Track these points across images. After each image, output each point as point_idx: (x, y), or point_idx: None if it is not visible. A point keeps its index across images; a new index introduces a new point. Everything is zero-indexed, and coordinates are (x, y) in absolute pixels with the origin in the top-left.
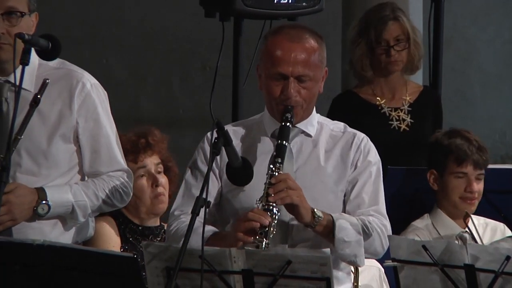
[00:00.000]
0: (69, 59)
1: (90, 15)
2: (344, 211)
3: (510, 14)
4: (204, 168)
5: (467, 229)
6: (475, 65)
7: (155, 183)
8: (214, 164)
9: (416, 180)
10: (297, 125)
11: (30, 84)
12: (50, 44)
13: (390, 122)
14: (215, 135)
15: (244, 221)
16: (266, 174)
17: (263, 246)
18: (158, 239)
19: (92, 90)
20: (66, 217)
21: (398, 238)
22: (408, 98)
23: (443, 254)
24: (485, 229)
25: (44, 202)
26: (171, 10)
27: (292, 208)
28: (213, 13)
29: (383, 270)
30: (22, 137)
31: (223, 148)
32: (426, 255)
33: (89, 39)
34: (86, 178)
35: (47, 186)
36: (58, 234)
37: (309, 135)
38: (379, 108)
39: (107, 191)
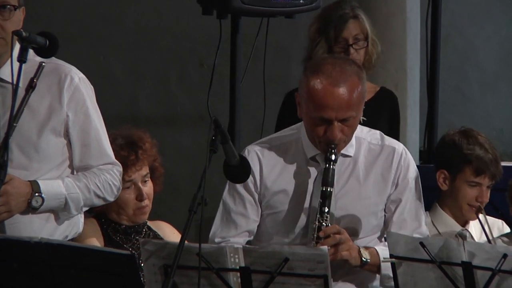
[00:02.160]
0: (66, 57)
1: (87, 12)
2: (385, 226)
3: (508, 12)
4: (242, 191)
5: (479, 225)
6: (472, 62)
7: (139, 196)
8: (253, 189)
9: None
10: None
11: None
12: (47, 42)
13: None
14: (212, 132)
15: None
16: (313, 225)
17: None
18: (142, 236)
19: (81, 84)
20: (59, 211)
21: (396, 234)
22: None
23: (440, 251)
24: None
25: (37, 194)
26: (169, 8)
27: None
28: (210, 11)
29: None
30: (16, 124)
31: (269, 171)
32: (423, 252)
33: (86, 36)
34: (75, 172)
35: (39, 179)
36: (51, 230)
37: (348, 156)
38: None
39: (98, 184)
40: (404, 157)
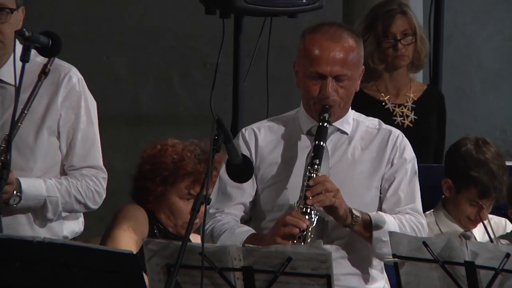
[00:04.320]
0: (69, 56)
1: (90, 12)
2: (380, 208)
3: (510, 11)
4: None
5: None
6: (475, 61)
7: None
8: None
9: (425, 176)
10: (333, 123)
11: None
12: (50, 41)
13: (394, 118)
14: (215, 132)
15: (282, 226)
16: (304, 176)
17: None
18: None
19: (78, 84)
20: (36, 212)
21: (399, 234)
22: (412, 96)
23: (443, 251)
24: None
25: (16, 193)
26: (172, 7)
27: (331, 209)
28: (213, 10)
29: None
30: (27, 111)
31: (266, 144)
32: (426, 252)
33: (89, 36)
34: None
35: (22, 178)
36: (48, 230)
37: (344, 133)
38: (383, 104)
39: (80, 189)
40: (401, 139)
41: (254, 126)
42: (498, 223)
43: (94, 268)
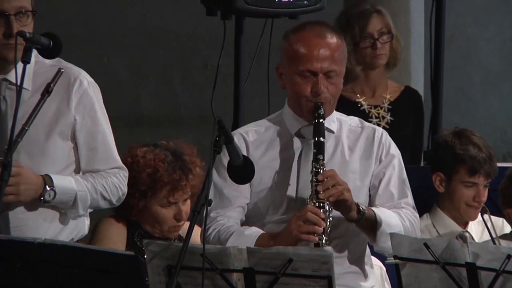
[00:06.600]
0: (70, 57)
1: (91, 13)
2: (371, 204)
3: (511, 13)
4: None
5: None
6: (476, 63)
7: (178, 216)
8: None
9: (416, 178)
10: None
11: (27, 81)
12: (51, 42)
13: (370, 119)
14: (216, 133)
15: (303, 221)
16: (311, 172)
17: (323, 242)
18: None
19: (89, 88)
20: (67, 209)
21: (400, 235)
22: (388, 96)
23: (444, 252)
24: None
25: (50, 188)
26: (173, 8)
27: (341, 203)
28: (214, 12)
29: (384, 269)
30: (29, 128)
31: (256, 148)
32: (427, 253)
33: (90, 37)
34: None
35: (51, 173)
36: (55, 233)
37: (331, 131)
38: (359, 105)
39: (105, 186)
40: (385, 136)
41: (241, 130)
42: (496, 223)
43: (95, 269)
